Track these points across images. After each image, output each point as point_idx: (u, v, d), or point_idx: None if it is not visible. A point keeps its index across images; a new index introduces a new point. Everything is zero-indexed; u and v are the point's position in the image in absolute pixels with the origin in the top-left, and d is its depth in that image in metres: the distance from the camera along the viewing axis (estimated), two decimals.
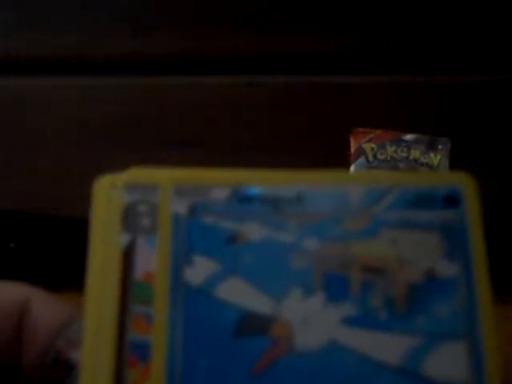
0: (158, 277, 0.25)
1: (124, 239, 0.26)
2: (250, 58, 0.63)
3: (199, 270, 0.25)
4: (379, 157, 0.60)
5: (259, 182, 0.26)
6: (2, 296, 0.28)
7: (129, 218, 0.26)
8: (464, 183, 0.26)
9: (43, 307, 0.28)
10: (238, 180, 0.26)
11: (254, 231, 0.25)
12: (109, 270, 0.25)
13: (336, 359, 0.23)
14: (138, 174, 0.27)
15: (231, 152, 0.63)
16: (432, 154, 0.60)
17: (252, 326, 0.24)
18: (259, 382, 0.23)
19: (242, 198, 0.26)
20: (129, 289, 0.25)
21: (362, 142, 0.60)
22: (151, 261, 0.25)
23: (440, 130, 0.60)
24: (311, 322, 0.24)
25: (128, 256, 0.25)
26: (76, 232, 0.62)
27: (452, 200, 0.26)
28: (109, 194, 0.26)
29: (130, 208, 0.26)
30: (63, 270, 0.62)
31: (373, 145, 0.60)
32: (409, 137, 0.59)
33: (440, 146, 0.59)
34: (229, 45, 0.63)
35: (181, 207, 0.26)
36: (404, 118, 0.62)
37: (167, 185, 0.26)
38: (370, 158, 0.60)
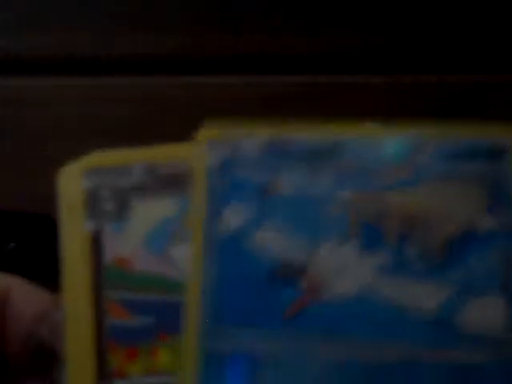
0: (194, 227, 0.24)
1: (90, 225, 0.25)
2: (250, 58, 0.63)
3: (233, 220, 0.24)
4: None
5: (295, 132, 0.26)
6: None
7: (92, 203, 0.26)
8: (510, 136, 0.25)
9: (24, 295, 0.28)
10: (272, 132, 0.26)
11: (288, 182, 0.25)
12: (79, 258, 0.25)
13: (369, 307, 0.23)
14: (98, 158, 0.26)
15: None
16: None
17: (286, 272, 0.24)
18: (291, 326, 0.23)
19: (276, 150, 0.25)
20: (100, 275, 0.25)
21: None
22: (120, 245, 0.25)
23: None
24: (345, 269, 0.24)
25: (95, 242, 0.25)
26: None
27: (496, 153, 0.25)
28: (70, 181, 0.26)
29: (92, 194, 0.26)
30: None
31: None
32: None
33: None
34: (229, 45, 0.62)
35: (214, 160, 0.25)
36: (404, 118, 0.62)
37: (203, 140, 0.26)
38: None
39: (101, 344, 0.25)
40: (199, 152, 0.25)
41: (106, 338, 0.25)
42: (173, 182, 0.26)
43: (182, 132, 0.61)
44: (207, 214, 0.25)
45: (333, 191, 0.24)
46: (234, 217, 0.24)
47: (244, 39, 0.63)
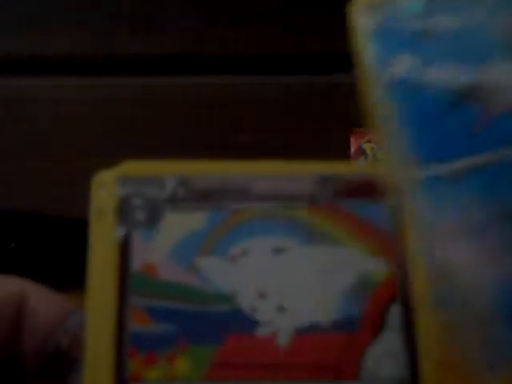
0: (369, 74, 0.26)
1: (120, 232, 0.26)
2: (250, 58, 0.63)
3: (403, 66, 0.25)
4: (379, 157, 0.59)
5: None
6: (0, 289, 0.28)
7: (124, 211, 0.26)
8: None
9: (41, 300, 0.29)
10: None
11: (442, 22, 0.25)
12: (107, 263, 0.25)
13: None
14: (131, 167, 0.27)
15: (231, 152, 0.63)
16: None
17: (465, 94, 0.24)
18: (480, 140, 0.24)
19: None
20: (127, 280, 0.25)
21: (362, 141, 0.60)
22: (148, 253, 0.26)
23: None
24: None
25: (125, 248, 0.26)
26: (76, 232, 0.63)
27: None
28: (104, 188, 0.26)
29: (125, 201, 0.26)
30: (63, 269, 0.62)
31: (373, 145, 0.60)
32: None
33: None
34: (229, 44, 0.63)
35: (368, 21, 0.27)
36: None
37: None
38: (370, 159, 0.60)
39: (121, 348, 0.25)
40: (360, 17, 0.26)
41: (126, 343, 0.25)
42: (204, 196, 0.26)
43: (182, 132, 0.62)
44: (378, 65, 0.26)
45: (487, 20, 0.25)
46: (403, 64, 0.25)
47: (244, 39, 0.63)
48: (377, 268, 0.25)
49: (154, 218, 0.26)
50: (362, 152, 0.60)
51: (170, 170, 0.27)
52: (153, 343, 0.25)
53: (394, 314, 0.25)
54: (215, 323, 0.25)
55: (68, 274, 0.56)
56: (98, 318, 0.25)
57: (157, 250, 0.26)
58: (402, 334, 0.25)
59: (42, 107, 0.63)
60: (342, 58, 0.62)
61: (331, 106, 0.62)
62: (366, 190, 0.26)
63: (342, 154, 0.60)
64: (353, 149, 0.60)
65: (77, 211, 0.58)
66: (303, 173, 0.27)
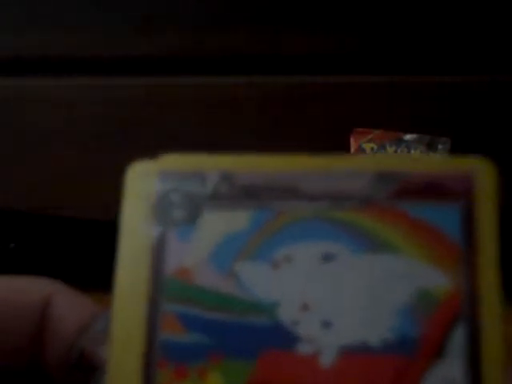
0: None
1: (154, 231, 0.23)
2: (250, 58, 0.62)
3: None
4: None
5: None
6: (24, 293, 0.27)
7: (160, 208, 0.23)
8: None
9: (66, 304, 0.27)
10: None
11: None
12: (139, 264, 0.22)
13: None
14: (172, 161, 0.24)
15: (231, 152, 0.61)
16: (432, 154, 0.58)
17: None
18: None
19: None
20: (159, 284, 0.22)
21: (362, 141, 0.59)
22: (184, 255, 0.23)
23: (440, 130, 0.60)
24: None
25: (159, 249, 0.23)
26: (76, 231, 0.62)
27: None
28: (140, 181, 0.23)
29: (162, 197, 0.23)
30: (63, 270, 0.61)
31: (373, 145, 0.60)
32: (409, 137, 0.59)
33: (440, 146, 0.59)
34: (229, 44, 0.62)
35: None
36: (404, 118, 0.61)
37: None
38: None
39: (150, 358, 0.22)
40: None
41: (156, 353, 0.22)
42: (248, 193, 0.23)
43: (182, 132, 0.61)
44: None
45: None
46: None
47: (244, 40, 0.62)
48: (439, 282, 0.22)
49: (192, 216, 0.23)
50: (361, 152, 0.59)
51: (212, 164, 0.24)
52: (184, 354, 0.22)
53: (457, 337, 0.22)
54: (251, 337, 0.22)
55: (68, 274, 0.55)
56: (125, 323, 0.22)
57: (194, 253, 0.23)
58: (465, 361, 0.21)
59: (42, 107, 0.62)
60: (342, 57, 0.63)
61: (331, 105, 0.62)
62: (432, 190, 0.23)
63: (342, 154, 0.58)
64: (352, 149, 0.60)
65: (77, 211, 0.58)
66: (358, 169, 0.23)
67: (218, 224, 0.23)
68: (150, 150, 0.63)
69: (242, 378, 0.22)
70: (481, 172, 0.23)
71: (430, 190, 0.23)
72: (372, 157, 0.24)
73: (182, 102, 0.62)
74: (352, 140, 0.59)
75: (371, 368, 0.21)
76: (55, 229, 0.64)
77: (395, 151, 0.58)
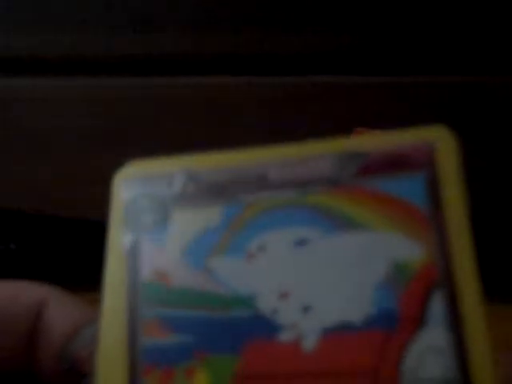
0: None
1: (127, 239, 0.23)
2: (250, 58, 0.62)
3: None
4: None
5: None
6: (17, 298, 0.27)
7: (130, 215, 0.23)
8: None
9: (59, 309, 0.27)
10: None
11: None
12: (117, 272, 0.23)
13: None
14: (134, 167, 0.24)
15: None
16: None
17: None
18: None
19: None
20: (137, 290, 0.22)
21: None
22: (158, 258, 0.23)
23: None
24: None
25: (133, 255, 0.23)
26: (76, 232, 0.63)
27: None
28: (115, 190, 0.24)
29: (131, 204, 0.23)
30: (63, 270, 0.62)
31: None
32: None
33: None
34: (229, 44, 0.62)
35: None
36: (403, 119, 0.61)
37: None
38: None
39: (135, 366, 0.22)
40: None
41: (140, 360, 0.22)
42: (216, 190, 0.23)
43: (182, 132, 0.61)
44: None
45: None
46: None
47: (244, 39, 0.62)
48: (413, 253, 0.22)
49: (162, 218, 0.23)
50: None
51: (177, 165, 0.24)
52: (169, 357, 0.22)
53: (437, 305, 0.22)
54: (233, 330, 0.22)
55: (68, 275, 0.56)
56: (109, 333, 0.22)
57: (168, 254, 0.23)
58: (447, 327, 0.21)
59: (42, 107, 0.62)
60: (342, 58, 0.62)
61: (332, 104, 0.61)
62: (395, 163, 0.23)
63: None
64: None
65: (77, 211, 0.59)
66: (319, 153, 0.23)
67: (188, 223, 0.23)
68: (150, 150, 0.63)
69: (229, 372, 0.22)
70: (441, 140, 0.23)
71: (393, 163, 0.23)
72: (333, 140, 0.24)
73: (181, 102, 0.62)
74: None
75: (354, 345, 0.21)
76: (55, 229, 0.65)
77: None
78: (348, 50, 0.61)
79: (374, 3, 0.61)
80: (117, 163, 0.25)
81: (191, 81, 0.63)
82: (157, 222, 0.23)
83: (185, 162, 0.24)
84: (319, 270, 0.22)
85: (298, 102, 0.62)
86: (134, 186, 0.24)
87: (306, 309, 0.22)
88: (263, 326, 0.22)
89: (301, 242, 0.23)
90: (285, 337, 0.22)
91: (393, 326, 0.21)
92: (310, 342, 0.22)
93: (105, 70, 0.62)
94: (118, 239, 0.23)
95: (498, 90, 0.61)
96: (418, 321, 0.21)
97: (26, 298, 0.27)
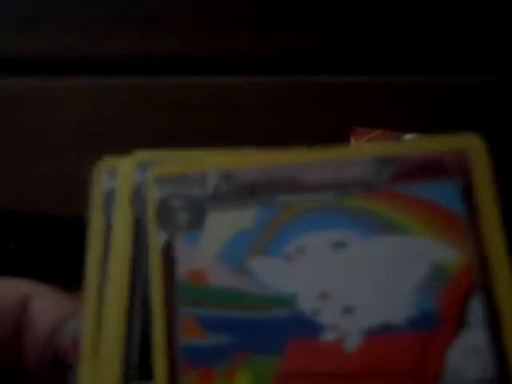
0: None
1: (161, 238, 0.23)
2: (250, 58, 0.62)
3: None
4: None
5: None
6: (2, 294, 0.27)
7: (163, 214, 0.23)
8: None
9: (44, 303, 0.27)
10: None
11: None
12: (151, 272, 0.23)
13: None
14: (168, 166, 0.24)
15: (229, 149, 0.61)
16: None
17: None
18: None
19: None
20: (173, 290, 0.22)
21: (362, 141, 0.59)
22: (194, 258, 0.23)
23: (439, 129, 0.59)
24: None
25: (167, 255, 0.23)
26: (76, 232, 0.62)
27: None
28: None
29: (163, 204, 0.23)
30: (63, 269, 0.61)
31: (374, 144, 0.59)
32: (408, 137, 0.58)
33: None
34: (229, 44, 0.61)
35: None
36: (404, 118, 0.61)
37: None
38: None
39: (173, 366, 0.22)
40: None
41: (178, 359, 0.22)
42: (251, 191, 0.23)
43: (182, 132, 0.61)
44: None
45: None
46: None
47: (243, 39, 0.61)
48: (451, 256, 0.22)
49: (196, 218, 0.23)
50: None
51: (211, 164, 0.24)
52: (208, 357, 0.22)
53: (475, 306, 0.22)
54: (275, 330, 0.22)
55: (68, 274, 0.55)
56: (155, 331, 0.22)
57: (203, 254, 0.23)
58: (486, 328, 0.22)
59: (42, 107, 0.61)
60: (341, 57, 0.62)
61: (332, 104, 0.61)
62: (430, 169, 0.23)
63: None
64: None
65: (77, 211, 0.58)
66: (356, 157, 0.24)
67: (223, 224, 0.23)
68: (150, 151, 0.62)
69: (270, 373, 0.22)
70: (473, 146, 0.23)
71: (428, 169, 0.23)
72: (368, 145, 0.24)
73: (181, 102, 0.62)
74: (352, 139, 0.58)
75: (396, 347, 0.22)
76: (55, 228, 0.64)
77: None
78: (348, 50, 0.61)
79: (373, 3, 0.61)
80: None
81: (191, 81, 0.62)
82: (191, 221, 0.23)
83: (217, 160, 0.24)
84: (358, 272, 0.22)
85: (298, 102, 0.62)
86: (166, 185, 0.23)
87: (348, 310, 0.22)
88: (305, 326, 0.22)
89: (340, 245, 0.23)
90: (327, 337, 0.22)
91: (433, 327, 0.22)
92: (352, 343, 0.22)
93: (105, 69, 0.62)
94: (151, 237, 0.23)
95: (498, 91, 0.61)
96: (458, 322, 0.22)
97: (11, 294, 0.27)
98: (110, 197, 0.24)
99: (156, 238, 0.23)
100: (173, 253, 0.23)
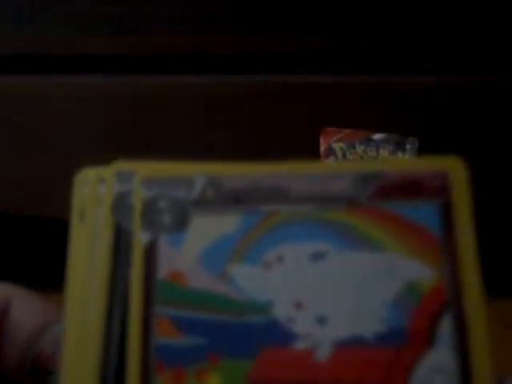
0: None
1: (145, 237, 0.23)
2: (249, 58, 0.62)
3: None
4: (348, 156, 0.58)
5: None
6: None
7: (148, 214, 0.23)
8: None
9: (24, 306, 0.27)
10: None
11: None
12: (132, 269, 0.22)
13: None
14: (158, 167, 0.24)
15: (231, 151, 0.61)
16: (400, 154, 0.58)
17: None
18: None
19: None
20: (152, 288, 0.22)
21: (332, 141, 0.59)
22: (175, 259, 0.23)
23: (408, 129, 0.59)
24: None
25: (150, 255, 0.23)
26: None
27: None
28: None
29: (150, 204, 0.23)
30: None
31: (342, 144, 0.59)
32: (377, 136, 0.58)
33: (408, 146, 0.58)
34: (229, 44, 0.61)
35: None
36: (374, 118, 0.61)
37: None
38: (340, 158, 0.59)
39: (147, 362, 0.22)
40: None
41: (152, 357, 0.22)
42: (235, 198, 0.23)
43: (182, 132, 0.60)
44: None
45: None
46: None
47: (241, 40, 0.61)
48: (425, 275, 0.22)
49: (181, 221, 0.23)
50: (331, 151, 0.59)
51: (199, 170, 0.24)
52: (181, 357, 0.22)
53: (445, 327, 0.22)
54: (248, 336, 0.22)
55: (47, 276, 0.54)
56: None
57: (185, 256, 0.23)
58: (454, 349, 0.22)
59: (41, 107, 0.61)
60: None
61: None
62: (410, 188, 0.23)
63: (312, 153, 0.58)
64: (322, 148, 0.59)
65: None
66: (340, 172, 0.24)
67: (206, 228, 0.23)
68: (150, 150, 0.62)
69: (241, 377, 0.22)
70: (454, 169, 0.23)
71: (409, 188, 0.23)
72: (353, 161, 0.24)
73: (181, 102, 0.61)
74: (322, 139, 0.58)
75: (364, 361, 0.22)
76: (36, 229, 0.63)
77: (364, 150, 0.57)
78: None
79: (361, 4, 0.60)
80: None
81: (191, 81, 0.62)
82: (175, 223, 0.23)
83: (205, 167, 0.24)
84: (334, 284, 0.22)
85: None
86: (154, 187, 0.23)
87: (321, 320, 0.22)
88: (278, 334, 0.22)
89: (317, 256, 0.23)
90: (299, 345, 0.22)
91: (402, 344, 0.22)
92: (322, 353, 0.22)
93: (105, 69, 0.61)
94: (134, 236, 0.23)
95: (474, 90, 0.61)
96: (427, 340, 0.22)
97: None
98: (92, 203, 0.24)
99: (140, 237, 0.23)
100: (155, 253, 0.23)
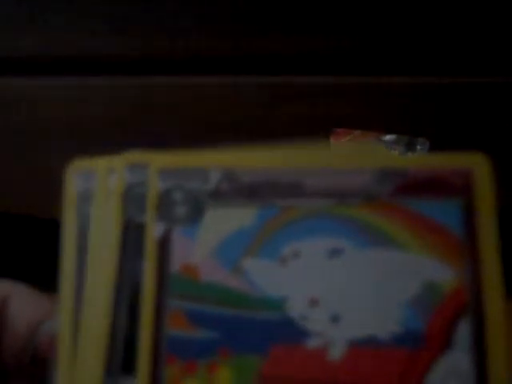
0: None
1: (158, 229, 0.22)
2: (248, 59, 0.61)
3: None
4: None
5: None
6: None
7: (163, 206, 0.22)
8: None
9: (23, 302, 0.27)
10: None
11: None
12: (145, 261, 0.22)
13: None
14: (173, 158, 0.23)
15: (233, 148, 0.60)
16: (410, 155, 0.57)
17: None
18: None
19: None
20: (165, 281, 0.22)
21: (342, 142, 0.58)
22: (189, 252, 0.22)
23: (419, 130, 0.59)
24: None
25: (163, 246, 0.22)
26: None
27: None
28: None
29: (165, 195, 0.23)
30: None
31: None
32: (387, 137, 0.57)
33: (418, 147, 0.58)
34: (228, 44, 0.61)
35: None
36: (383, 119, 0.60)
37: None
38: None
39: (157, 354, 0.21)
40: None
41: (163, 349, 0.21)
42: (251, 191, 0.23)
43: (182, 132, 0.60)
44: None
45: None
46: None
47: (240, 40, 0.61)
48: (445, 276, 0.22)
49: (195, 213, 0.22)
50: None
51: (214, 161, 0.23)
52: (193, 350, 0.21)
53: (463, 330, 0.21)
54: (261, 331, 0.22)
55: (43, 275, 0.54)
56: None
57: (199, 249, 0.22)
58: (471, 353, 0.21)
59: (41, 107, 0.60)
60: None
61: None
62: (432, 186, 0.23)
63: None
64: None
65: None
66: (360, 166, 0.23)
67: (222, 221, 0.22)
68: (150, 151, 0.62)
69: (252, 373, 0.21)
70: (479, 167, 0.23)
71: (431, 185, 0.23)
72: (373, 154, 0.23)
73: (181, 102, 0.61)
74: (331, 140, 0.58)
75: (379, 361, 0.21)
76: (30, 229, 0.63)
77: None
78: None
79: (361, 4, 0.60)
80: None
81: (191, 81, 0.61)
82: (190, 215, 0.22)
83: (221, 158, 0.23)
84: (350, 282, 0.22)
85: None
86: (169, 178, 0.23)
87: (335, 318, 0.22)
88: (291, 331, 0.21)
89: (335, 253, 0.22)
90: (312, 343, 0.21)
91: (418, 345, 0.21)
92: (336, 352, 0.21)
93: (104, 69, 0.61)
94: (148, 228, 0.22)
95: (481, 91, 0.61)
96: (444, 343, 0.21)
97: None
98: (83, 198, 0.23)
99: (153, 230, 0.22)
100: (169, 245, 0.22)
